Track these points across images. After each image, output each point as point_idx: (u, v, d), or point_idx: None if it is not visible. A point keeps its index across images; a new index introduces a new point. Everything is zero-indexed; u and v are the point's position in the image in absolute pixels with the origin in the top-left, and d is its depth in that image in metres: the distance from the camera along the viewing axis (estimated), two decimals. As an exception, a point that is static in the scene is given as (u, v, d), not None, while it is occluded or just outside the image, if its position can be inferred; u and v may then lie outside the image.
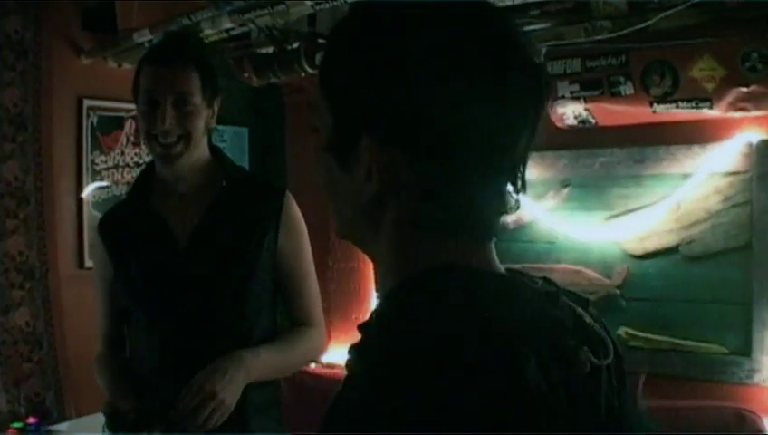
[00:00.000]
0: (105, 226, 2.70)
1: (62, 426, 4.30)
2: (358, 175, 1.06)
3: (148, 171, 2.69)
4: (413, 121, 1.02)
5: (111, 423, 2.44)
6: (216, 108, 2.57)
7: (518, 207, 1.11)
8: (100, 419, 3.88)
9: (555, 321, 1.03)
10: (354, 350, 1.02)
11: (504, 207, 1.09)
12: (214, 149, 2.65)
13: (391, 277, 1.09)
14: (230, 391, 2.32)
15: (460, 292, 1.00)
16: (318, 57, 4.15)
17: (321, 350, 2.81)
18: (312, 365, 4.88)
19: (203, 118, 2.50)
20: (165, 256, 2.52)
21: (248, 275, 2.51)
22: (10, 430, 4.02)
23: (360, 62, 1.06)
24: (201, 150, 2.56)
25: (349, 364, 1.03)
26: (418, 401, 0.88)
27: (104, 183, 4.78)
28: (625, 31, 3.28)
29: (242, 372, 2.36)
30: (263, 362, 2.46)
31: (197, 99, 2.47)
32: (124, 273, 2.59)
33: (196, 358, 2.40)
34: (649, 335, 4.05)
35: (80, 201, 4.71)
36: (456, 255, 1.06)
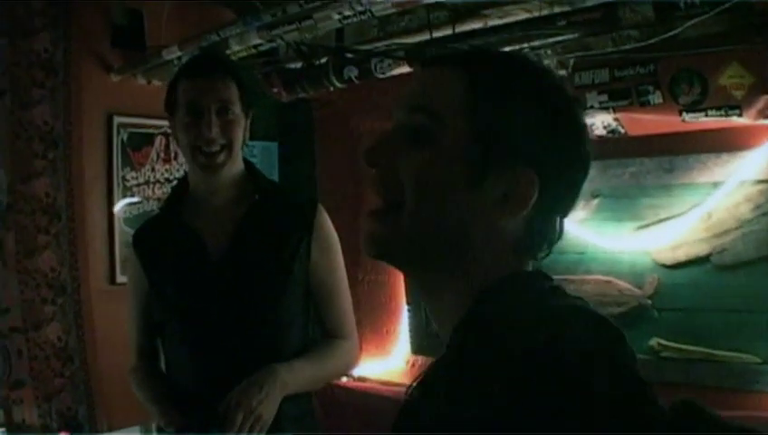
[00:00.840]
0: (139, 240, 2.73)
1: (94, 440, 4.32)
2: (489, 195, 1.16)
3: (182, 185, 2.71)
4: (550, 157, 1.17)
5: None
6: (249, 120, 2.60)
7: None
8: (131, 433, 3.92)
9: None
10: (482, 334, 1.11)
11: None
12: (246, 163, 2.67)
13: (467, 285, 1.18)
14: (267, 407, 2.34)
15: (556, 286, 1.19)
16: (346, 71, 4.16)
17: (354, 362, 2.81)
18: (344, 379, 4.89)
19: (242, 128, 2.56)
20: (198, 270, 2.54)
21: (281, 287, 2.53)
22: (43, 444, 4.05)
23: (515, 107, 1.18)
24: (238, 163, 2.60)
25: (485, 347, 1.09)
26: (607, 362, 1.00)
27: (135, 199, 4.80)
28: (653, 40, 3.26)
29: (277, 386, 2.38)
30: (297, 376, 2.47)
31: (237, 108, 2.53)
32: (158, 286, 2.61)
33: (231, 369, 2.43)
34: (682, 346, 4.00)
35: (111, 217, 4.72)
36: (523, 266, 1.23)
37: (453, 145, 1.16)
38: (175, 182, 2.83)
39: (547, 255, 1.25)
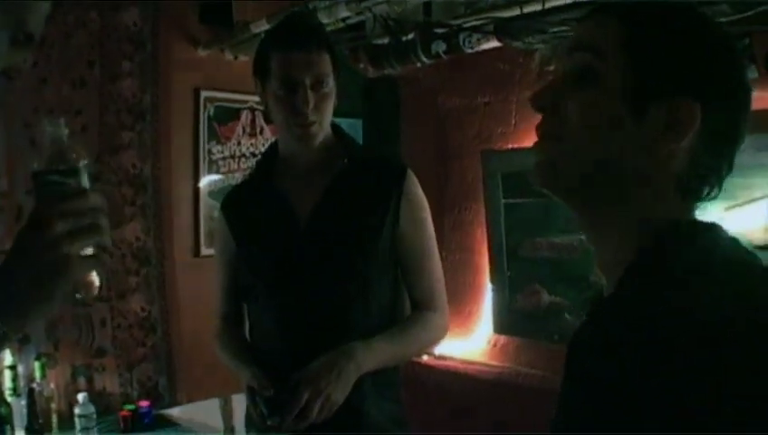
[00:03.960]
0: (228, 203, 2.74)
1: (174, 411, 4.37)
2: (651, 126, 1.18)
3: (272, 150, 2.71)
4: (710, 87, 1.18)
5: (251, 398, 2.47)
6: (338, 87, 2.59)
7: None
8: (211, 404, 3.94)
9: None
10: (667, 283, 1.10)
11: None
12: (334, 127, 2.65)
13: (632, 220, 1.21)
14: (338, 387, 2.33)
15: (731, 239, 1.19)
16: (434, 46, 4.12)
17: (442, 335, 2.75)
18: (425, 357, 4.87)
19: (333, 98, 2.54)
20: (287, 234, 2.54)
21: (369, 253, 2.52)
22: (122, 412, 4.09)
23: (672, 38, 1.20)
24: (327, 129, 2.59)
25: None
26: None
27: (217, 177, 4.83)
28: (747, 13, 3.16)
29: (351, 365, 2.37)
30: (376, 354, 2.45)
31: (331, 80, 2.52)
32: (247, 250, 2.62)
33: (316, 335, 2.46)
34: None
35: (196, 190, 4.77)
36: (689, 213, 1.24)
37: (614, 78, 1.20)
38: (260, 156, 2.81)
39: (714, 197, 1.25)
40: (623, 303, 1.14)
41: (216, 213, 2.90)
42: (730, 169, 1.24)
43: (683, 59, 1.19)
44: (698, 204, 1.25)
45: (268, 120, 3.19)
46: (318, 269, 2.50)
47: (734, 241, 1.19)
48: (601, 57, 1.21)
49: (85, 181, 1.45)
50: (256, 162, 2.83)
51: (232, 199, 2.77)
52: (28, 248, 1.36)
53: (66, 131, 1.44)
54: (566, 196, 1.29)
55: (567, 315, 4.41)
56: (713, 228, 1.19)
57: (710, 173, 1.22)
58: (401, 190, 2.55)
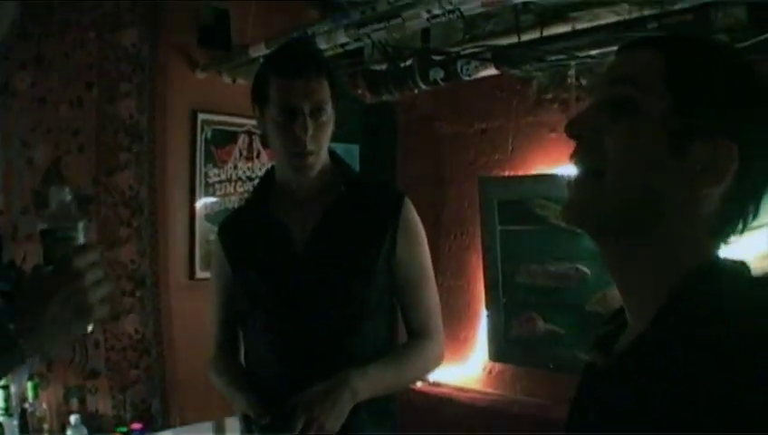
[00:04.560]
0: (225, 229, 2.74)
1: (167, 433, 4.35)
2: (690, 165, 1.18)
3: (269, 177, 2.71)
4: (750, 130, 1.19)
5: (246, 426, 2.52)
6: (336, 114, 2.60)
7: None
8: (204, 427, 3.94)
9: None
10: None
11: None
12: (331, 154, 2.65)
13: (664, 261, 1.22)
14: (333, 415, 2.33)
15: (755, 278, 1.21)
16: (432, 73, 4.13)
17: (437, 363, 2.73)
18: (419, 383, 4.86)
19: (332, 125, 2.55)
20: (284, 259, 2.53)
21: (366, 279, 2.51)
22: (115, 435, 4.08)
23: (715, 79, 1.21)
24: (325, 157, 2.59)
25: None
26: None
27: (213, 200, 4.82)
28: (746, 43, 3.17)
29: (347, 393, 2.36)
30: (371, 382, 2.45)
31: (330, 107, 2.52)
32: (243, 275, 2.61)
33: (313, 361, 2.46)
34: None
35: (192, 213, 4.75)
36: (715, 252, 1.25)
37: (656, 114, 1.20)
38: (257, 180, 2.81)
39: (738, 235, 1.26)
40: (661, 343, 1.15)
41: (213, 236, 2.90)
42: (757, 212, 1.25)
43: (725, 100, 1.19)
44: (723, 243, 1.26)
45: (265, 145, 3.21)
46: (315, 295, 2.50)
47: (759, 279, 1.21)
48: (644, 91, 1.21)
49: (84, 238, 1.85)
50: (254, 187, 2.83)
51: (229, 224, 2.77)
52: (58, 292, 1.70)
53: (70, 197, 1.87)
54: (599, 233, 1.30)
55: (563, 344, 4.41)
56: (741, 267, 1.21)
57: (739, 215, 1.24)
58: (398, 217, 2.55)
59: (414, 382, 2.71)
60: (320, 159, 2.53)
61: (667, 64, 1.21)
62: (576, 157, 1.28)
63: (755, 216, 1.25)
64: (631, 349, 1.21)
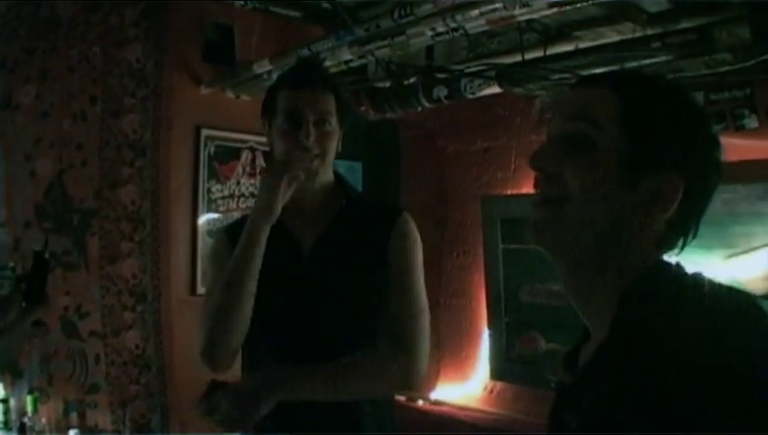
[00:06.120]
0: (232, 231, 2.72)
1: (166, 449, 4.34)
2: (641, 195, 1.30)
3: None
4: (694, 163, 1.33)
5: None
6: (343, 132, 2.62)
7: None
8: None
9: None
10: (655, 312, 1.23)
11: None
12: (336, 174, 2.69)
13: (615, 274, 1.32)
14: (240, 409, 2.34)
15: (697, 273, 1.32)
16: (435, 91, 4.14)
17: (406, 379, 2.58)
18: (420, 401, 4.85)
19: (336, 139, 2.57)
20: (290, 266, 2.54)
21: (363, 287, 2.52)
22: (115, 450, 4.07)
23: (663, 117, 1.33)
24: (329, 173, 2.62)
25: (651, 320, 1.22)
26: None
27: (216, 216, 4.82)
28: (749, 62, 3.17)
29: (261, 391, 2.37)
30: (299, 383, 2.44)
31: (334, 120, 2.54)
32: None
33: (310, 363, 2.46)
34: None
35: (194, 228, 4.76)
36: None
37: (611, 150, 1.31)
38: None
39: (680, 252, 1.38)
40: (620, 346, 1.23)
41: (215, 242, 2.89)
42: (696, 231, 1.39)
43: (672, 136, 1.33)
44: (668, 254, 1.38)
45: (269, 161, 3.19)
46: (316, 301, 2.51)
47: (698, 274, 1.32)
48: (599, 128, 1.32)
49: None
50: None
51: (234, 229, 2.76)
52: None
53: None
54: (559, 254, 1.40)
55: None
56: (679, 268, 1.34)
57: (682, 235, 1.37)
58: (394, 228, 2.56)
59: (367, 394, 2.60)
60: (324, 165, 2.55)
61: (619, 102, 1.33)
62: (540, 186, 1.40)
63: (695, 235, 1.38)
64: (594, 358, 1.31)
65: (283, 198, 2.46)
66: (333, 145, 2.56)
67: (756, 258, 3.89)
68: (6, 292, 2.36)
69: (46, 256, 2.42)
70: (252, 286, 2.47)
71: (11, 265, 2.20)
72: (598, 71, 3.57)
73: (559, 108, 1.41)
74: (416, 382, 2.60)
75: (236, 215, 4.78)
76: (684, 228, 1.37)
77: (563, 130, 1.37)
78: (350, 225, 2.58)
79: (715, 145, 1.37)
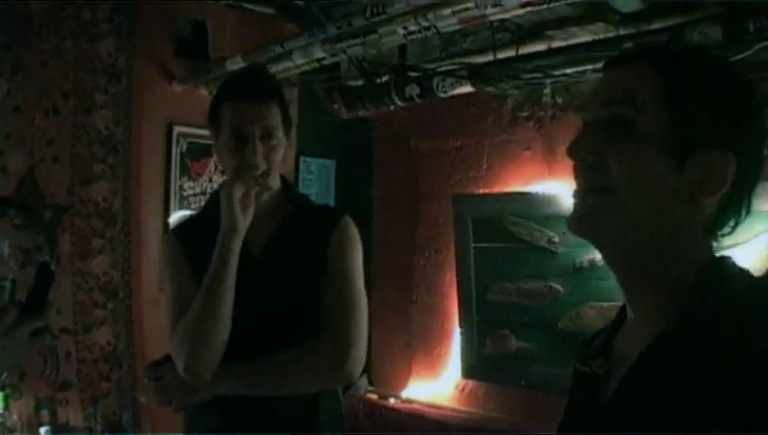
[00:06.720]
0: (183, 233, 2.74)
1: (137, 446, 4.33)
2: (690, 178, 1.24)
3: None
4: (743, 139, 1.26)
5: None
6: (288, 139, 2.67)
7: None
8: (175, 441, 3.89)
9: None
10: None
11: None
12: (282, 179, 2.74)
13: (666, 263, 1.28)
14: (182, 385, 2.54)
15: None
16: (408, 90, 4.15)
17: (336, 371, 2.59)
18: (392, 400, 4.86)
19: (282, 150, 2.62)
20: (241, 268, 2.55)
21: (308, 290, 2.58)
22: (85, 447, 4.06)
23: (709, 93, 1.26)
24: (276, 180, 2.67)
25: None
26: None
27: (188, 212, 4.80)
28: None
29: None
30: (235, 377, 2.53)
31: (280, 132, 2.58)
32: (199, 276, 2.60)
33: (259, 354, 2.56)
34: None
35: (166, 225, 4.74)
36: (711, 250, 1.32)
37: (654, 132, 1.24)
38: (212, 194, 2.83)
39: (730, 233, 1.33)
40: (689, 339, 1.20)
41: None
42: (749, 209, 1.31)
43: (720, 113, 1.25)
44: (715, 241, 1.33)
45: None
46: (263, 300, 2.56)
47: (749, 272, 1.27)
48: (639, 110, 1.25)
49: None
50: (208, 199, 2.85)
51: (184, 230, 2.78)
52: None
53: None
54: (607, 245, 1.35)
55: (535, 362, 4.43)
56: (733, 262, 1.28)
57: (734, 216, 1.30)
58: (335, 229, 2.63)
59: (302, 387, 2.61)
60: (270, 181, 2.60)
61: (660, 80, 1.26)
62: (581, 177, 1.34)
63: (748, 212, 1.31)
64: (654, 347, 1.24)
65: (245, 213, 2.51)
66: (280, 157, 2.60)
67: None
68: (4, 302, 2.37)
69: (52, 267, 2.43)
70: (230, 299, 2.49)
71: (10, 276, 2.21)
72: (569, 70, 3.61)
73: (592, 93, 1.35)
74: (348, 376, 2.61)
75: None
76: (737, 208, 1.31)
77: (600, 115, 1.31)
78: (297, 229, 2.65)
79: (763, 116, 1.32)
